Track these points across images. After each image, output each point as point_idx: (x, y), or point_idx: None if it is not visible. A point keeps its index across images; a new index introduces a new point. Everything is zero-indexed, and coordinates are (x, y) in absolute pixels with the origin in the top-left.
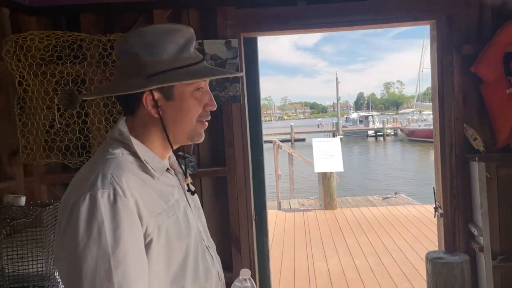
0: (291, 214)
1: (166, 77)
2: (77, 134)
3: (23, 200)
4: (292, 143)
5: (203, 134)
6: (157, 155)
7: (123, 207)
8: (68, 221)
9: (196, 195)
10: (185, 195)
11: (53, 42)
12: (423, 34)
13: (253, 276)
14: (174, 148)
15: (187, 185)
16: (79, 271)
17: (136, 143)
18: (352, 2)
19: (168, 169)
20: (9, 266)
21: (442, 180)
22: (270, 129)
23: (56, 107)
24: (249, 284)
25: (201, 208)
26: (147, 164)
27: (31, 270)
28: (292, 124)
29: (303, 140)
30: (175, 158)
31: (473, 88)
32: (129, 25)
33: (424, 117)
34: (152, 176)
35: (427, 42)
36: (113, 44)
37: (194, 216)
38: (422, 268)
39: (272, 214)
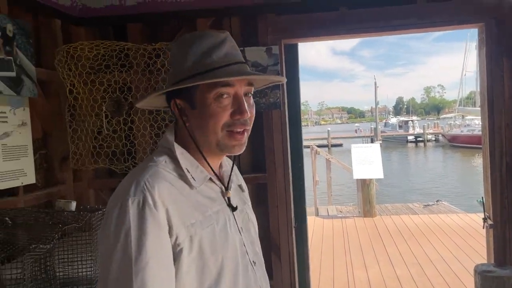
0: (329, 220)
1: (188, 81)
2: (123, 140)
3: (73, 205)
4: (329, 148)
5: (237, 147)
6: (202, 164)
7: (151, 215)
8: (103, 225)
9: (249, 205)
10: (230, 207)
11: (102, 52)
12: (466, 37)
13: (293, 284)
14: (206, 158)
15: (228, 199)
16: (106, 272)
17: (180, 151)
18: (395, 7)
19: (210, 179)
20: (59, 269)
21: (491, 190)
22: (307, 134)
23: (104, 114)
24: None
25: (252, 221)
26: (187, 173)
27: (79, 273)
28: (329, 129)
29: (341, 145)
30: (228, 168)
31: None
32: (173, 34)
33: (467, 122)
34: (190, 185)
35: (470, 45)
36: (159, 52)
37: (236, 230)
38: (467, 280)
39: (310, 221)
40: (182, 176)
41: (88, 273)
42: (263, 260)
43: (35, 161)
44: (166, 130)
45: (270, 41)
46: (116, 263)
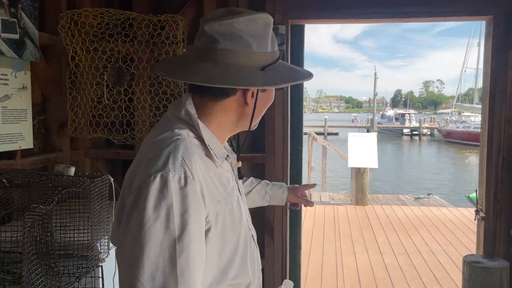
0: (321, 207)
1: (278, 73)
2: (123, 111)
3: (72, 170)
4: (325, 136)
5: None
6: (220, 141)
7: (193, 191)
8: (135, 201)
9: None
10: (237, 182)
11: (106, 20)
12: (469, 33)
13: (284, 264)
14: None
15: (238, 169)
16: (141, 251)
17: (202, 127)
18: None
19: (227, 156)
20: (56, 233)
21: (486, 183)
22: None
23: (105, 84)
24: None
25: (244, 195)
26: (211, 150)
27: (76, 239)
28: (326, 117)
29: (337, 134)
30: (226, 142)
31: None
32: (179, 7)
33: (463, 119)
34: (214, 162)
35: (472, 41)
36: (163, 24)
37: (244, 205)
38: (454, 272)
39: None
40: (206, 152)
41: (84, 239)
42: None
43: (33, 126)
44: (184, 101)
45: (277, 20)
46: (156, 241)
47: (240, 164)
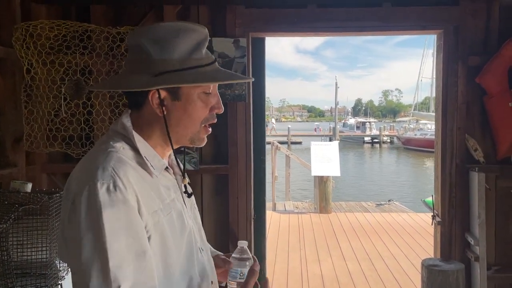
0: (285, 216)
1: (174, 77)
2: (82, 125)
3: (29, 187)
4: (288, 145)
5: (206, 139)
6: (158, 153)
7: (122, 199)
8: (70, 211)
9: (193, 196)
10: (182, 196)
11: (63, 32)
12: (424, 44)
13: None
14: (174, 148)
15: (185, 186)
16: (78, 258)
17: (138, 139)
18: (362, 8)
19: (167, 168)
20: (13, 253)
21: (441, 189)
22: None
23: (62, 97)
24: (249, 256)
25: (197, 209)
26: (147, 161)
27: (33, 257)
28: (289, 126)
29: (300, 143)
30: (174, 157)
31: (477, 99)
32: (139, 19)
33: (421, 126)
34: (150, 173)
35: (427, 52)
36: (123, 37)
37: (189, 217)
38: (414, 275)
39: (267, 215)
40: (141, 164)
41: (42, 257)
42: (208, 245)
43: None
44: (122, 115)
45: (238, 33)
46: (89, 248)
47: (186, 181)
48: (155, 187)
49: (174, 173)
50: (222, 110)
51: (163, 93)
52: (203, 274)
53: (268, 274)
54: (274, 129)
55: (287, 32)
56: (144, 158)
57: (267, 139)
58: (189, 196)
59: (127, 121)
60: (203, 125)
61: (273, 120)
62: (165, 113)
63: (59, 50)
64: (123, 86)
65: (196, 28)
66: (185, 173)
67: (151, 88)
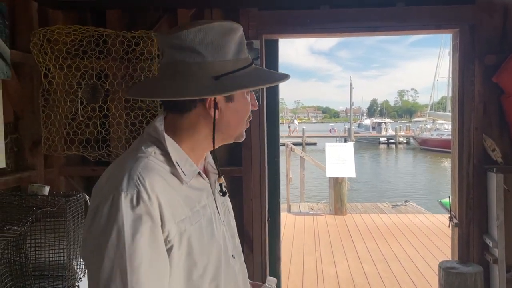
0: (300, 217)
1: (235, 80)
2: (98, 128)
3: (47, 190)
4: (303, 146)
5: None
6: (192, 157)
7: (145, 211)
8: (92, 220)
9: (229, 201)
10: (215, 200)
11: (79, 37)
12: (440, 43)
13: (263, 277)
14: (214, 149)
15: (220, 185)
16: (98, 270)
17: (170, 143)
18: (375, 8)
19: (199, 173)
20: (31, 255)
21: (458, 190)
22: (282, 132)
23: (79, 101)
24: None
25: (232, 214)
26: (177, 167)
27: (51, 259)
28: (304, 127)
29: (315, 144)
30: (211, 158)
31: (494, 98)
32: (154, 23)
33: (437, 126)
34: (180, 180)
35: (443, 51)
36: (138, 41)
37: (220, 224)
38: (431, 278)
39: (282, 217)
40: (172, 169)
41: (60, 259)
42: (241, 252)
43: (6, 145)
44: (156, 118)
45: (251, 35)
46: (108, 261)
47: (221, 180)
48: (184, 194)
49: (208, 173)
50: (257, 106)
51: (218, 96)
52: (232, 282)
53: (283, 275)
54: (296, 130)
55: (300, 33)
56: (175, 163)
57: (285, 140)
58: (223, 194)
59: (160, 124)
60: (247, 121)
61: (296, 121)
62: (217, 116)
63: (75, 54)
64: (181, 94)
65: (237, 27)
66: (219, 172)
67: (218, 95)
